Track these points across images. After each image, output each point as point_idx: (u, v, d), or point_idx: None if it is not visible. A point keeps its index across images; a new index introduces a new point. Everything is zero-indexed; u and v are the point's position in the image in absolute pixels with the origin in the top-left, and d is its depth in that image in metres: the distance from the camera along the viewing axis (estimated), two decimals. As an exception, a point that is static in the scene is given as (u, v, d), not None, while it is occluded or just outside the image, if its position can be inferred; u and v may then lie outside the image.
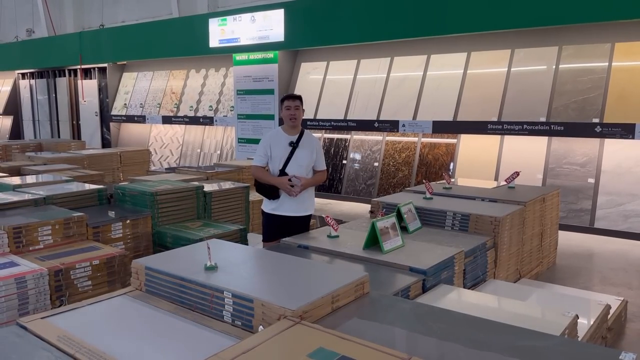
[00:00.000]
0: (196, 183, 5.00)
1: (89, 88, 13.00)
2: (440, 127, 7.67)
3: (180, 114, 11.17)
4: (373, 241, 3.30)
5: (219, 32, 9.89)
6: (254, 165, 4.05)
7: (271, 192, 3.95)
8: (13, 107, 15.22)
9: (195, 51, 10.51)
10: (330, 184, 8.69)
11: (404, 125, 7.97)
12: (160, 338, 2.05)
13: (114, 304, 2.37)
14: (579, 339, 2.69)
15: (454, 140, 7.78)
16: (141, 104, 12.02)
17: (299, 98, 4.01)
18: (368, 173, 8.43)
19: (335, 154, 8.84)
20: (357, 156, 8.64)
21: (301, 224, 3.99)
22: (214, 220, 4.75)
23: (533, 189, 5.09)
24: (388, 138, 8.41)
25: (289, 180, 3.87)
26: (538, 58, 7.15)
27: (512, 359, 1.81)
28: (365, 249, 3.29)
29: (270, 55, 9.40)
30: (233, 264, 2.55)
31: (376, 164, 8.39)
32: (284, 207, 3.96)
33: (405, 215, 3.84)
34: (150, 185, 4.64)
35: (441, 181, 5.49)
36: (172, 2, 11.80)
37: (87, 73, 13.06)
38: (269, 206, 4.03)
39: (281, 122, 4.14)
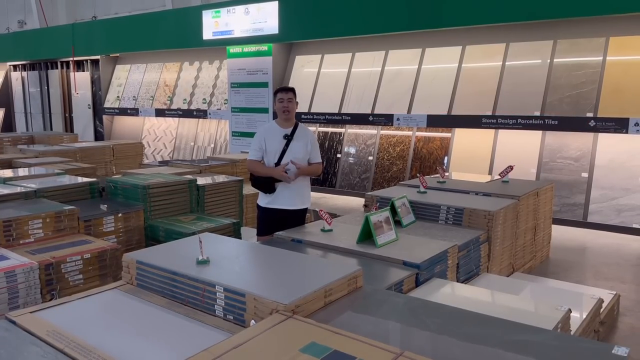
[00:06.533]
0: (189, 176, 4.97)
1: (81, 80, 12.90)
2: (434, 121, 7.66)
3: (174, 107, 11.11)
4: (367, 235, 3.29)
5: (212, 25, 9.82)
6: (249, 159, 4.02)
7: (267, 186, 3.92)
8: (5, 99, 15.09)
9: (189, 43, 10.43)
10: (325, 177, 8.67)
11: (398, 119, 7.95)
12: (152, 333, 2.03)
13: (104, 298, 2.34)
14: (572, 333, 2.69)
15: (448, 134, 7.77)
16: (134, 96, 11.93)
17: (292, 90, 3.97)
18: (362, 167, 8.42)
19: (329, 147, 8.81)
20: (352, 150, 8.62)
21: (297, 218, 3.96)
22: (208, 214, 4.72)
23: (527, 183, 5.09)
24: (383, 132, 8.39)
25: (285, 170, 3.85)
26: (533, 52, 7.15)
27: (505, 353, 1.80)
28: (359, 243, 3.28)
29: (264, 47, 9.34)
30: (225, 258, 2.53)
31: (371, 157, 8.38)
32: (280, 200, 3.92)
33: (399, 209, 3.84)
34: (142, 179, 4.60)
35: (435, 175, 5.48)
36: (165, -6, 11.74)
37: (79, 65, 12.95)
38: (264, 200, 4.00)
39: (275, 116, 4.11)
